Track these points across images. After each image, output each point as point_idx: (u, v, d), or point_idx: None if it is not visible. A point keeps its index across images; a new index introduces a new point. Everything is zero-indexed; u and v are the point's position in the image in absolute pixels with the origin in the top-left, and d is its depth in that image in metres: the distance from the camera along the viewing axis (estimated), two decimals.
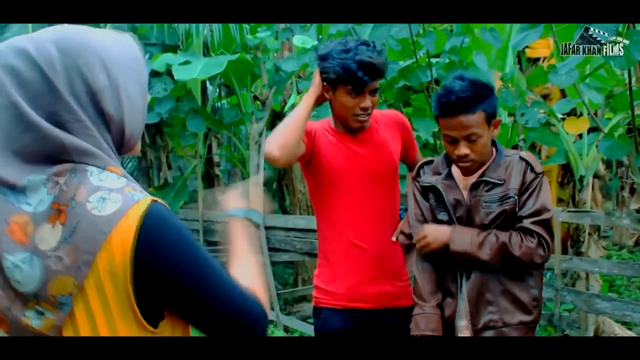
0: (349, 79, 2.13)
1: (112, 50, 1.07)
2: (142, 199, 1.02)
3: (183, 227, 1.06)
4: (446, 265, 2.16)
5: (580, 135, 4.44)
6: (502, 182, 2.07)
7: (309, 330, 4.89)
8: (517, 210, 2.05)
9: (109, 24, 5.03)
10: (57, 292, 0.99)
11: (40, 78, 1.00)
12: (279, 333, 4.75)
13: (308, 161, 2.30)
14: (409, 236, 2.28)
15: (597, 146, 3.63)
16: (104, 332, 1.01)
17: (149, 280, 1.01)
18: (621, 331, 4.40)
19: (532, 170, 2.07)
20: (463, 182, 2.15)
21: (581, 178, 4.22)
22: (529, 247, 2.02)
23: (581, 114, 4.02)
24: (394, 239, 2.34)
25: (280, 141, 2.11)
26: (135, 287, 1.00)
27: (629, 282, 6.35)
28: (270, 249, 5.14)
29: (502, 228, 2.07)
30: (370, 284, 2.29)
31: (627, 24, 2.74)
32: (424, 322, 2.13)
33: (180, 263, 1.03)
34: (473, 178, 2.12)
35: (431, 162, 2.26)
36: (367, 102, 2.19)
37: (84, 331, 1.01)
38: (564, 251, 4.39)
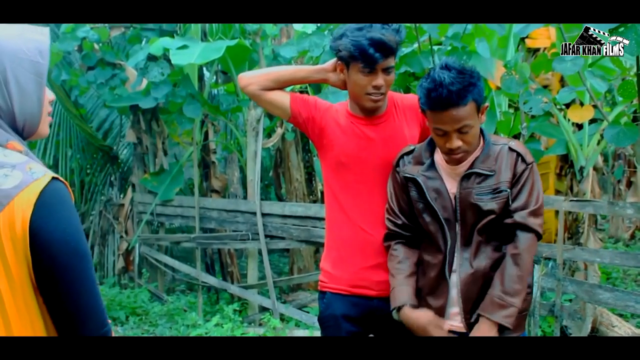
0: (360, 56, 2.09)
1: (7, 43, 1.22)
2: (42, 176, 1.19)
3: (73, 209, 1.21)
4: (435, 263, 2.10)
5: (580, 126, 4.41)
6: (492, 173, 2.01)
7: (305, 318, 4.86)
8: (509, 202, 2.01)
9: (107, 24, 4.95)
10: None
11: None
12: (275, 321, 4.71)
13: (310, 133, 2.30)
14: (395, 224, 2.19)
15: (601, 135, 3.59)
16: (6, 293, 1.15)
17: (39, 249, 1.15)
18: (619, 323, 4.39)
19: (523, 160, 2.03)
20: (448, 172, 2.08)
21: (581, 169, 4.20)
22: (531, 245, 2.00)
23: (582, 104, 3.99)
24: None
25: (254, 72, 2.34)
26: (32, 255, 1.16)
27: (625, 275, 6.35)
28: (267, 236, 5.10)
29: (492, 227, 2.02)
30: (374, 271, 2.25)
31: None
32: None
33: (63, 238, 1.17)
34: (461, 168, 2.05)
35: (412, 151, 2.17)
36: (379, 80, 2.13)
37: None
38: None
